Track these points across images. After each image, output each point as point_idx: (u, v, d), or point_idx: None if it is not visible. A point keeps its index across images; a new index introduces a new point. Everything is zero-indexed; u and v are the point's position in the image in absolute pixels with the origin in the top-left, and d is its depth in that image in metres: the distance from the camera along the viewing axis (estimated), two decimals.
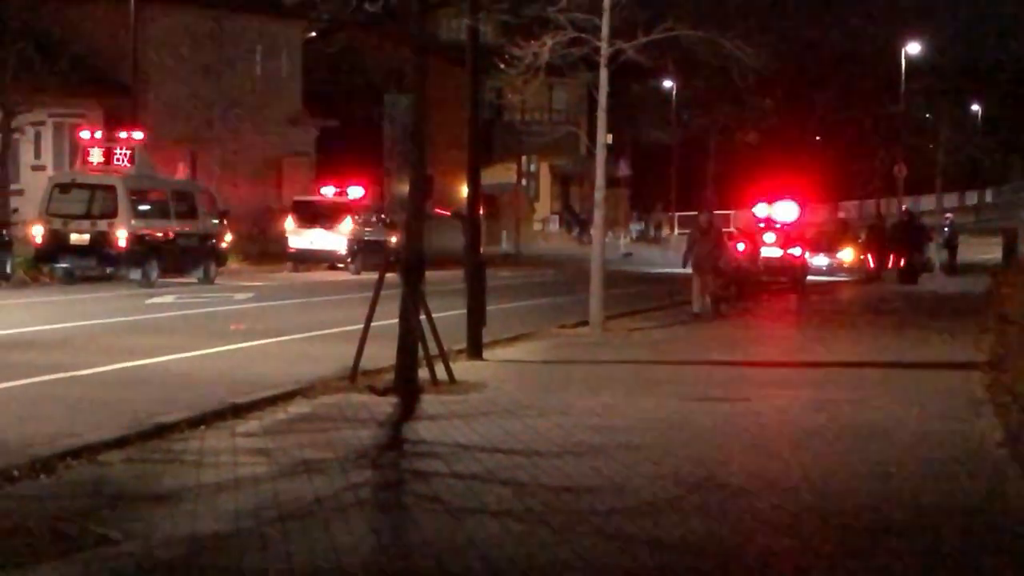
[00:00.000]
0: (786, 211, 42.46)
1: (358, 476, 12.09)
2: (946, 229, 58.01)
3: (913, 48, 67.45)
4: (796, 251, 46.24)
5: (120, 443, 13.08)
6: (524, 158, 70.89)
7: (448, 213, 47.43)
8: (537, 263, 56.33)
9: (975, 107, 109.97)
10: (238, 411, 15.21)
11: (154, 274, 35.84)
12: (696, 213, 38.69)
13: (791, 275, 44.55)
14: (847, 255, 53.24)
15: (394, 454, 13.49)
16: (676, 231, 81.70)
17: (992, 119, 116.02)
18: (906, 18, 66.42)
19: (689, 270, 31.92)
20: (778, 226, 45.56)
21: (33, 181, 43.15)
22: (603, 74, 26.53)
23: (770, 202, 44.76)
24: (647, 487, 11.79)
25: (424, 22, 18.00)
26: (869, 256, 50.97)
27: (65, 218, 35.66)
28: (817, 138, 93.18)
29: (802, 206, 42.00)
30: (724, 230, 31.87)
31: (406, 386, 16.97)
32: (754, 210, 46.47)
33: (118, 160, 36.80)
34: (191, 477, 11.87)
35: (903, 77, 66.09)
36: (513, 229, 65.95)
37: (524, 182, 71.96)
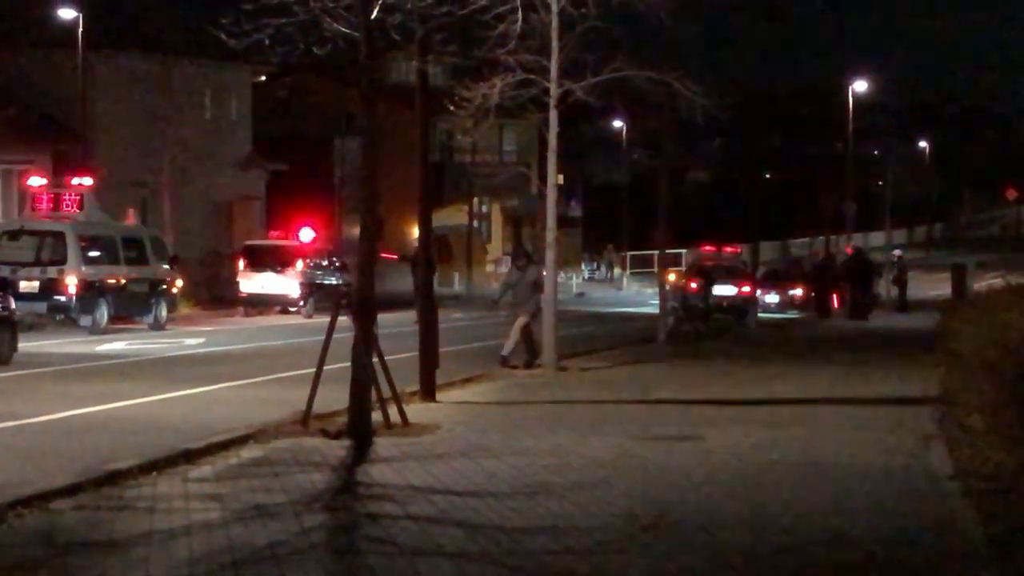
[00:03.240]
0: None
1: (312, 520, 12.06)
2: (895, 265, 58.32)
3: (860, 86, 67.94)
4: (747, 288, 46.56)
5: (71, 491, 13.00)
6: (475, 199, 70.93)
7: (395, 257, 47.34)
8: (490, 304, 56.26)
9: (923, 144, 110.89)
10: (190, 457, 15.15)
11: (104, 320, 35.64)
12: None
13: (742, 312, 44.80)
14: (797, 292, 53.43)
15: (347, 497, 13.46)
16: (628, 270, 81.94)
17: (940, 156, 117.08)
18: (854, 57, 67.05)
19: (530, 307, 27.43)
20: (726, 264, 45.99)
21: None
22: (553, 115, 26.63)
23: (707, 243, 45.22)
24: (601, 527, 11.80)
25: (373, 65, 18.04)
26: (816, 293, 51.21)
27: (14, 265, 35.41)
28: (767, 176, 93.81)
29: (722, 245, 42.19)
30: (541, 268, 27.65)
31: (359, 429, 16.94)
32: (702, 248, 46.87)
33: (67, 206, 36.63)
34: (143, 524, 11.81)
35: (851, 115, 66.55)
36: (465, 270, 65.97)
37: (476, 223, 72.00)
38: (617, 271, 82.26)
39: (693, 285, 44.68)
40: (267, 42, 19.15)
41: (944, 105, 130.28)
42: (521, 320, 27.35)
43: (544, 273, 27.30)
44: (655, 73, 27.68)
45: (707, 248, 53.15)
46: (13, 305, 28.87)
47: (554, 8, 25.91)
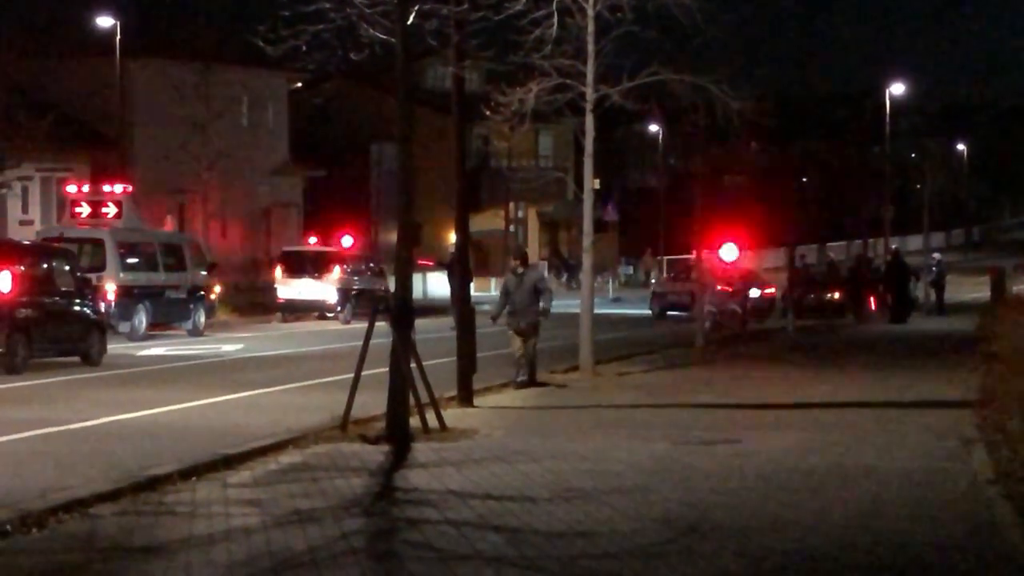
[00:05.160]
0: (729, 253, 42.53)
1: (351, 525, 12.08)
2: (933, 269, 58.08)
3: (897, 89, 67.72)
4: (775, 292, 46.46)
5: (112, 496, 13.06)
6: (512, 204, 70.99)
7: (431, 263, 47.31)
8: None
9: (960, 147, 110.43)
10: (230, 462, 15.20)
11: (143, 326, 35.81)
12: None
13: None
14: (835, 296, 53.22)
15: (386, 502, 13.48)
16: (665, 274, 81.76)
17: (978, 158, 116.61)
18: (891, 60, 66.98)
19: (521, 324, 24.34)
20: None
21: (21, 236, 43.12)
22: (589, 119, 26.64)
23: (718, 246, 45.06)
24: (639, 531, 11.80)
25: (409, 71, 18.08)
26: (852, 296, 51.06)
27: None
28: (804, 179, 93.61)
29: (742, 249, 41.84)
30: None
31: (397, 434, 16.98)
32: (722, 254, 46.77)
33: (106, 213, 36.81)
34: (183, 529, 11.86)
35: (888, 118, 66.32)
36: (502, 275, 66.00)
37: (512, 228, 72.03)
38: (655, 275, 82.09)
39: (729, 289, 44.62)
40: (304, 49, 19.22)
41: (982, 107, 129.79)
42: (531, 341, 24.31)
43: (548, 276, 26.78)
44: (691, 77, 27.67)
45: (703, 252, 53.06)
46: (102, 308, 29.30)
47: (590, 13, 25.94)
